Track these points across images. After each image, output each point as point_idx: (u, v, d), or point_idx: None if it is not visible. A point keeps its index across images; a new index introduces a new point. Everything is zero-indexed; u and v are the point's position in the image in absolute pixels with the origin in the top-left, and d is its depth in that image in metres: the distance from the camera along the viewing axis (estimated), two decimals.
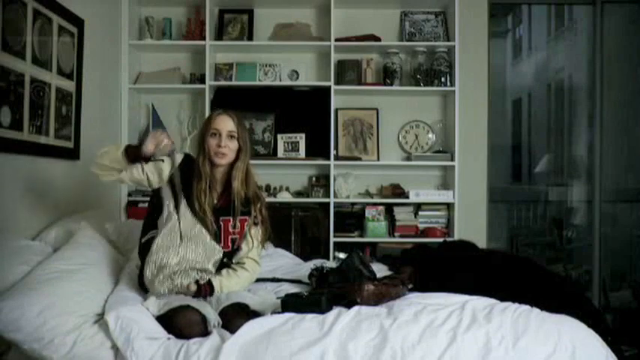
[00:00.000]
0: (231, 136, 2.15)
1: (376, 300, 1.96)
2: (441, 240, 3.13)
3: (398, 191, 3.78)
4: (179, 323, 1.85)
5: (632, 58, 4.38)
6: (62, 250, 2.22)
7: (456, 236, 3.58)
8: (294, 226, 3.60)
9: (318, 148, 3.73)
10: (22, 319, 1.75)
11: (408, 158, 3.86)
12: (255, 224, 2.23)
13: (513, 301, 1.92)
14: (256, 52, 3.85)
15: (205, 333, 1.84)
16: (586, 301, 2.22)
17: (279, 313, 1.91)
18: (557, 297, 2.05)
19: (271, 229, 2.29)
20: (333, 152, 3.68)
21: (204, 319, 1.87)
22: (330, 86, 3.67)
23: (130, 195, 3.62)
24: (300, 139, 3.74)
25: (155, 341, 1.77)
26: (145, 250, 2.10)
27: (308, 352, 1.70)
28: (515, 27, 6.67)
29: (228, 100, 3.67)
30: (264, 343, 1.73)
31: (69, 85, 2.80)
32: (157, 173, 2.11)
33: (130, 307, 1.89)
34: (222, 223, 2.16)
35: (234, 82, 3.75)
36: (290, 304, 1.93)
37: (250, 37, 3.80)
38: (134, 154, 2.01)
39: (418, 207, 3.76)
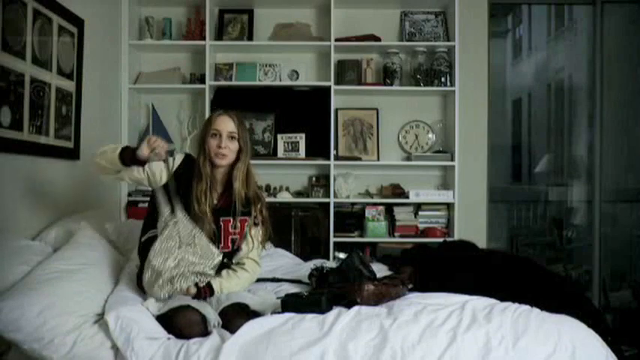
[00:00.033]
0: (232, 137, 2.15)
1: (376, 300, 1.96)
2: (441, 240, 3.13)
3: (398, 191, 3.78)
4: (179, 323, 1.85)
5: (632, 58, 4.38)
6: (62, 250, 2.22)
7: (456, 236, 3.58)
8: (294, 226, 3.60)
9: (318, 148, 3.72)
10: (22, 319, 1.75)
11: (408, 158, 3.86)
12: (256, 225, 2.23)
13: (513, 301, 1.92)
14: (256, 52, 3.85)
15: (205, 333, 1.84)
16: (586, 301, 2.22)
17: (279, 313, 1.91)
18: (557, 297, 2.05)
19: (271, 229, 2.28)
20: (333, 152, 3.67)
21: (204, 319, 1.87)
22: (330, 86, 3.67)
23: (130, 195, 3.62)
24: (300, 139, 3.74)
25: (155, 341, 1.77)
26: (144, 249, 2.10)
27: (308, 352, 1.70)
28: (515, 27, 6.66)
29: (228, 100, 3.66)
30: (264, 343, 1.73)
31: (69, 85, 2.79)
32: (157, 173, 2.12)
33: (130, 307, 1.89)
34: (222, 224, 2.16)
35: (234, 82, 3.75)
36: (290, 304, 1.93)
37: (250, 37, 3.80)
38: (129, 158, 2.01)
39: (418, 207, 3.75)
